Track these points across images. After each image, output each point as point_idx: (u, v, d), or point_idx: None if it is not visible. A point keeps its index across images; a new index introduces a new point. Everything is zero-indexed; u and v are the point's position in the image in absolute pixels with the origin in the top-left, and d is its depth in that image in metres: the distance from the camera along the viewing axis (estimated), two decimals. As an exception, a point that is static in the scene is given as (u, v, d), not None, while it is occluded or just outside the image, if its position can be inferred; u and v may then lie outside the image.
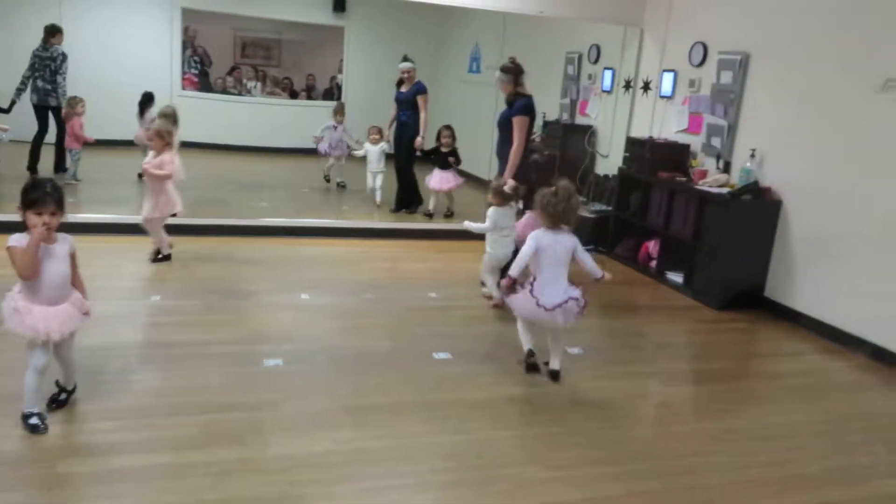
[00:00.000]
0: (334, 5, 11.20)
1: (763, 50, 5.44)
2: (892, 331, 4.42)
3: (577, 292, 3.71)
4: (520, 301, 3.75)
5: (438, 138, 7.37)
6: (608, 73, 7.32)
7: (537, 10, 6.49)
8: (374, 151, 7.74)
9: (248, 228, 6.32)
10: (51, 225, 2.77)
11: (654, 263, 6.12)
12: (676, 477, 2.93)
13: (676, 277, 5.81)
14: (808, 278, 5.03)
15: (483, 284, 5.14)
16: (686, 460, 3.07)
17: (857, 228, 4.66)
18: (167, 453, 2.78)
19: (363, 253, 6.09)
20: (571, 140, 7.53)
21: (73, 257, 2.93)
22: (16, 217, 2.81)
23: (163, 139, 5.16)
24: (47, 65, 7.65)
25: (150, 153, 5.25)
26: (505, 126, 5.37)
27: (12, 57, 8.38)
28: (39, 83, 7.68)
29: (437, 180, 7.34)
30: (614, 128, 7.22)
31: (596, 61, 7.60)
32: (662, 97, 6.56)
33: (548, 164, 6.91)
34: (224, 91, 11.70)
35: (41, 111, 7.78)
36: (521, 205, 5.17)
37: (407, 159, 7.44)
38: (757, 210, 5.28)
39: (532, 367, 3.83)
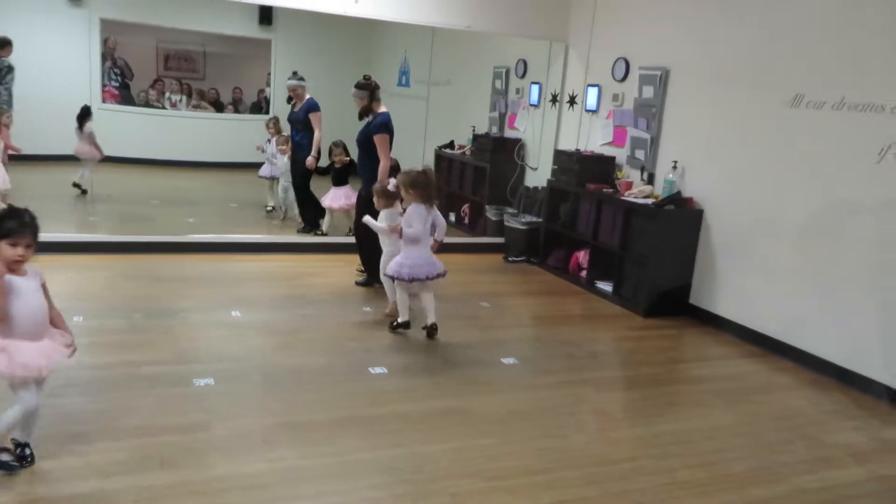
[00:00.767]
0: (260, 18, 11.06)
1: (682, 65, 5.67)
2: (809, 333, 4.66)
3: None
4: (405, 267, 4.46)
5: (330, 155, 7.06)
6: (535, 88, 7.48)
7: (465, 24, 6.58)
8: (285, 163, 7.56)
9: (174, 245, 6.15)
10: (25, 258, 2.60)
11: (584, 273, 6.26)
12: (610, 483, 3.00)
13: (606, 286, 5.96)
14: (730, 284, 5.25)
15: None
16: (619, 466, 3.15)
17: (772, 235, 4.89)
18: (94, 479, 2.68)
19: (294, 268, 6.01)
20: (501, 153, 7.65)
21: (44, 288, 2.73)
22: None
23: None
24: None
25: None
26: (365, 143, 5.46)
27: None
28: None
29: (330, 198, 7.03)
30: (542, 141, 7.37)
31: (523, 76, 7.75)
32: (588, 111, 6.74)
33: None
34: (147, 104, 11.37)
35: None
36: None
37: (302, 181, 7.17)
38: (680, 219, 5.48)
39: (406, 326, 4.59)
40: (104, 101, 10.52)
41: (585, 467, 3.11)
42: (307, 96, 7.17)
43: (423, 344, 4.48)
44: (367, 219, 4.76)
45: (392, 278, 4.58)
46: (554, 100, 7.23)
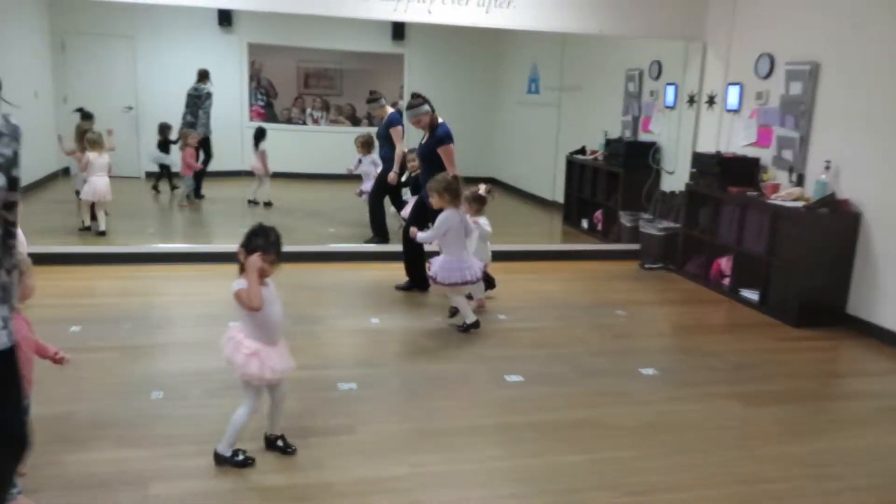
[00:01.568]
0: (393, 34, 11.41)
1: (834, 58, 5.29)
2: None
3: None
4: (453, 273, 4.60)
5: (406, 165, 6.80)
6: (671, 89, 7.24)
7: (597, 29, 6.48)
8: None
9: (315, 255, 6.44)
10: (269, 273, 2.88)
11: (726, 281, 5.97)
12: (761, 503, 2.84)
13: (751, 294, 5.65)
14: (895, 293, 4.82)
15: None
16: (771, 486, 2.97)
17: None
18: (250, 477, 2.85)
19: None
20: (635, 157, 7.44)
21: None
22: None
23: None
24: (195, 101, 8.83)
25: None
26: (430, 156, 5.38)
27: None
28: (188, 117, 8.79)
29: (408, 209, 6.39)
30: (679, 143, 7.12)
31: (658, 77, 7.52)
32: (729, 111, 6.43)
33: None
34: (289, 121, 12.03)
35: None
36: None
37: (379, 193, 7.11)
38: (834, 223, 5.11)
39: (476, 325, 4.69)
40: (251, 119, 11.23)
41: (732, 486, 2.95)
42: (389, 110, 7.10)
43: (559, 353, 4.43)
44: (419, 235, 4.77)
45: (433, 281, 4.71)
46: (691, 101, 6.96)
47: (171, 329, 4.62)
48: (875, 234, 4.97)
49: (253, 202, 8.77)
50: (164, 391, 3.59)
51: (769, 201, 5.48)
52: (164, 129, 9.06)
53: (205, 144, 8.86)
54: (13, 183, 1.88)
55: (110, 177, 6.90)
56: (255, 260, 2.80)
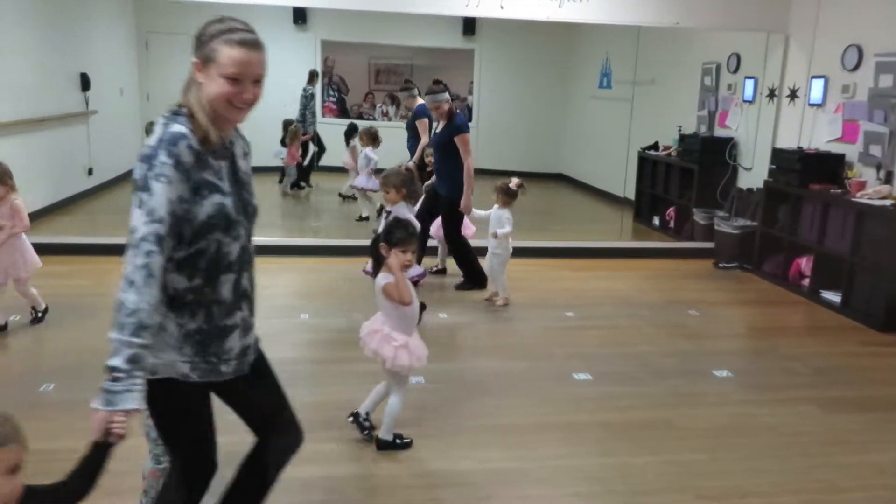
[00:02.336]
0: (464, 29, 11.43)
1: (928, 50, 5.02)
2: None
3: None
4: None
5: (425, 158, 6.46)
6: (750, 83, 7.00)
7: (673, 21, 6.33)
8: None
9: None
10: (411, 263, 3.00)
11: (806, 281, 5.75)
12: (841, 513, 2.73)
13: (833, 297, 5.43)
14: None
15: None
16: (849, 495, 2.86)
17: None
18: (320, 466, 2.92)
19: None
20: (710, 153, 7.24)
21: None
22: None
23: (5, 184, 4.26)
24: (303, 101, 9.77)
25: None
26: (446, 146, 5.28)
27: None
28: (299, 115, 9.72)
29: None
30: (758, 139, 6.88)
31: (736, 70, 7.29)
32: (812, 105, 6.18)
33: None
34: (359, 116, 12.20)
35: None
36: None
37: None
38: (925, 223, 4.85)
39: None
40: (324, 115, 11.45)
41: (807, 494, 2.86)
42: (419, 101, 6.89)
43: (629, 353, 4.36)
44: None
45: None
46: (771, 94, 6.72)
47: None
48: (970, 235, 4.70)
49: (347, 196, 8.98)
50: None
51: (854, 199, 5.25)
52: (285, 125, 9.46)
53: (315, 140, 9.64)
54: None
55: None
56: (397, 256, 2.90)
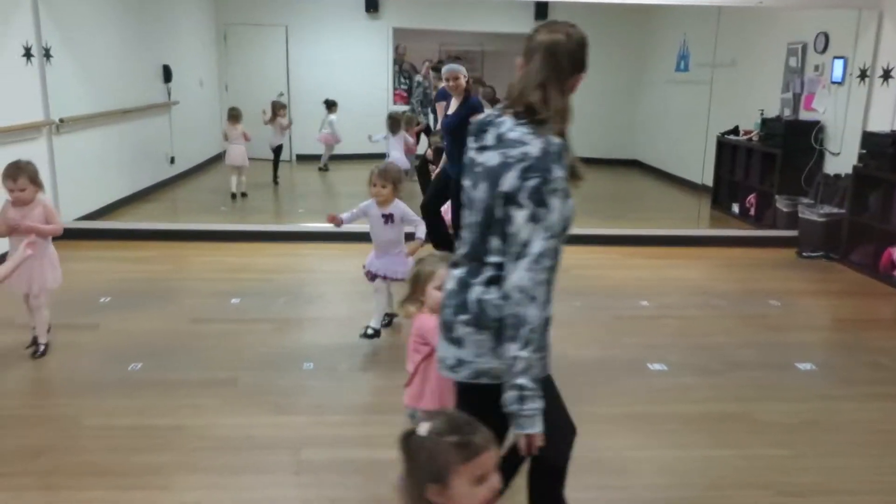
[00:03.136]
0: (536, 13, 11.28)
1: None
2: None
3: None
4: None
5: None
6: (839, 63, 6.67)
7: (755, 0, 6.08)
8: None
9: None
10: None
11: (897, 272, 5.47)
12: (935, 515, 2.60)
13: (926, 288, 5.15)
14: None
15: None
16: (946, 497, 2.71)
17: None
18: (395, 450, 2.96)
19: (573, 260, 6.05)
20: (794, 137, 6.94)
21: None
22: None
23: (36, 184, 3.67)
24: (418, 91, 10.27)
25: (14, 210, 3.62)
26: (461, 127, 4.89)
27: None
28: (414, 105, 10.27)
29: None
30: (847, 122, 6.56)
31: (824, 50, 6.95)
32: (906, 85, 5.85)
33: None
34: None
35: None
36: None
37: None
38: None
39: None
40: (394, 103, 11.52)
41: (894, 494, 2.73)
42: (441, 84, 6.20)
43: (705, 343, 4.24)
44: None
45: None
46: (863, 75, 6.38)
47: (321, 304, 4.86)
48: None
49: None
50: (314, 363, 3.79)
51: (952, 185, 4.95)
52: (391, 117, 9.65)
53: (426, 131, 9.38)
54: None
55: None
56: None
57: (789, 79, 7.47)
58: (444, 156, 5.50)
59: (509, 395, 1.70)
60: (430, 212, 5.13)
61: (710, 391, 3.59)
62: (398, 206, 4.06)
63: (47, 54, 6.00)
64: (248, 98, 9.20)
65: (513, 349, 1.68)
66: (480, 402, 1.79)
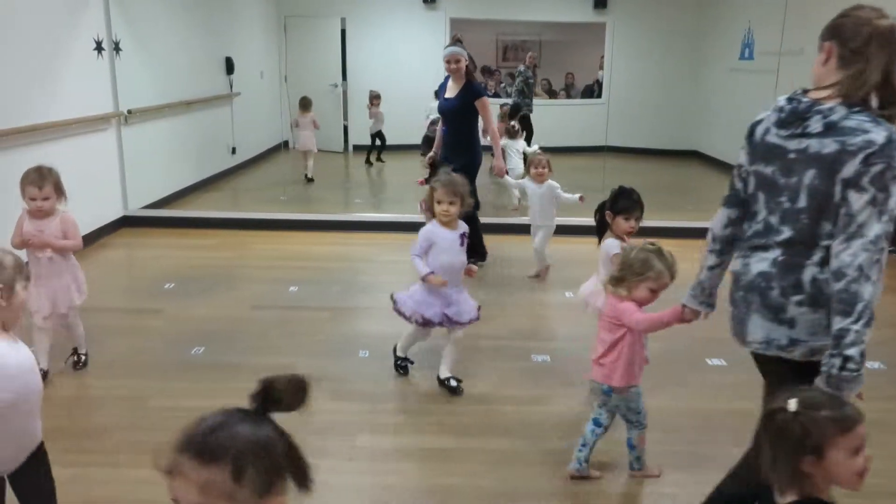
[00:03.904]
0: (595, 2, 11.12)
1: None
2: None
3: None
4: None
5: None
6: (914, 50, 6.37)
7: (826, -15, 5.84)
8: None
9: (499, 227, 6.45)
10: (635, 229, 3.19)
11: (974, 269, 5.21)
12: None
13: None
14: None
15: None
16: None
17: None
18: (448, 438, 2.98)
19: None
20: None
21: None
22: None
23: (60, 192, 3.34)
24: (521, 83, 9.86)
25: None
26: (461, 113, 4.96)
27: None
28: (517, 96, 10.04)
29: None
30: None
31: (898, 37, 6.64)
32: None
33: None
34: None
35: None
36: None
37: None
38: None
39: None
40: (451, 94, 11.52)
41: (976, 501, 2.61)
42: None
43: (767, 338, 4.12)
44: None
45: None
46: (939, 62, 6.08)
47: (375, 294, 4.89)
48: None
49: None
50: (370, 351, 3.84)
51: None
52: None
53: (524, 122, 9.33)
54: None
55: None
56: (619, 225, 3.16)
57: (861, 67, 7.17)
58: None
59: (833, 361, 1.75)
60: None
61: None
62: (460, 222, 3.42)
63: (117, 48, 6.21)
64: (307, 89, 9.32)
65: (845, 322, 1.74)
66: (810, 378, 1.83)
